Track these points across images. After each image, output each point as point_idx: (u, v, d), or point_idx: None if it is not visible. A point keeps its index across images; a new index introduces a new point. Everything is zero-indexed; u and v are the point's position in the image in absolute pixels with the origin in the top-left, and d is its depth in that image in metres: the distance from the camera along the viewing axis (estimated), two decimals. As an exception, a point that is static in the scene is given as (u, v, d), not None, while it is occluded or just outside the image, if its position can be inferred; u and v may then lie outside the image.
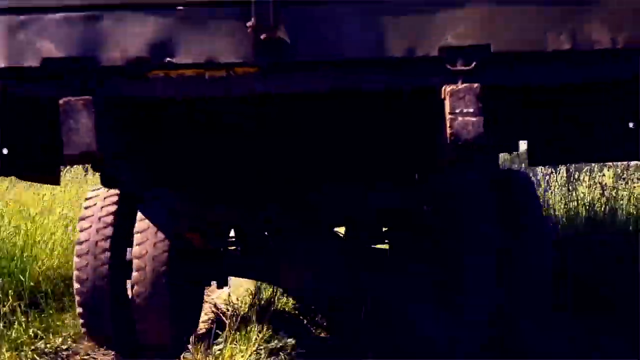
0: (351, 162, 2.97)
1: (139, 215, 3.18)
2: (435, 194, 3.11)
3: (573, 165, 7.64)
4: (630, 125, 2.16)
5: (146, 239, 3.11)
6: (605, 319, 3.85)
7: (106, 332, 3.52)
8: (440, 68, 1.70)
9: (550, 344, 3.30)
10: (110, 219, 3.39)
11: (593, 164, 6.97)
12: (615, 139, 2.26)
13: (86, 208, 3.48)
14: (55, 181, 2.94)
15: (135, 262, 3.12)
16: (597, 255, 4.31)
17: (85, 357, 3.95)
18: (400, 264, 3.66)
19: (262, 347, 3.51)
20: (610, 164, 6.32)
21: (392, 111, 2.23)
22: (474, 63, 1.66)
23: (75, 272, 3.36)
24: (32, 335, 3.98)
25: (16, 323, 4.00)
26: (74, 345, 4.05)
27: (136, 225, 3.17)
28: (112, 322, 3.44)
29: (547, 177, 7.61)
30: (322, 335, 4.52)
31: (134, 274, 3.13)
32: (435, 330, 3.09)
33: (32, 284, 4.82)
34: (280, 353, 3.59)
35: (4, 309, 4.15)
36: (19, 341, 3.82)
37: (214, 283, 4.14)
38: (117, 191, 3.45)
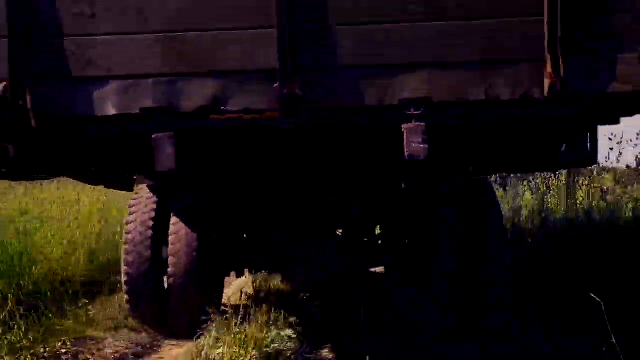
0: (341, 178, 3.84)
1: (173, 219, 4.11)
2: (411, 199, 3.93)
3: (572, 169, 7.68)
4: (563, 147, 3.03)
5: (179, 240, 4.08)
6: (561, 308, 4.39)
7: (146, 313, 4.34)
8: (400, 113, 2.48)
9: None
10: (150, 222, 4.23)
11: (594, 169, 7.04)
12: (538, 155, 3.25)
13: (130, 214, 4.35)
14: (131, 189, 4.42)
15: (170, 258, 4.10)
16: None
17: (85, 361, 3.96)
18: (386, 255, 4.58)
19: (261, 351, 3.51)
20: (610, 169, 6.45)
21: (372, 141, 3.05)
22: (421, 109, 2.46)
23: (123, 267, 4.21)
24: (32, 339, 3.96)
25: (15, 327, 4.00)
26: (74, 349, 4.04)
27: (170, 228, 4.12)
28: (151, 306, 4.25)
29: (547, 182, 7.64)
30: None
31: (170, 268, 4.12)
32: (418, 314, 3.77)
33: (31, 288, 4.82)
34: (279, 357, 3.59)
35: (3, 313, 4.15)
36: (18, 345, 3.81)
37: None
38: (154, 199, 4.31)
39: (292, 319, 4.43)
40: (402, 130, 2.45)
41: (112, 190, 7.87)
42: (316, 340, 4.43)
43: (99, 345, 4.21)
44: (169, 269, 4.15)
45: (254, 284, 5.93)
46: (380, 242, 4.81)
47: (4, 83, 2.44)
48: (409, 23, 2.45)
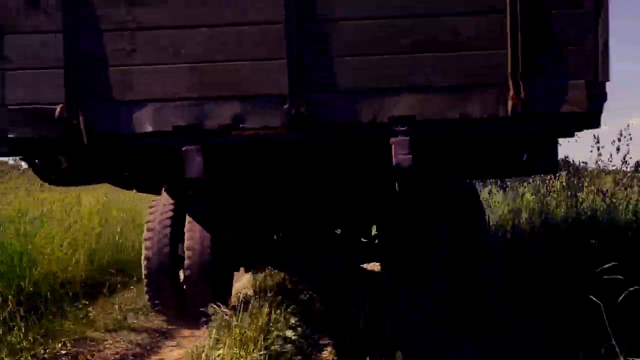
0: (342, 186, 4.35)
1: (188, 218, 4.63)
2: (406, 202, 4.40)
3: (571, 170, 7.71)
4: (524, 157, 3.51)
5: (194, 237, 4.58)
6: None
7: (164, 303, 4.81)
8: (389, 128, 2.97)
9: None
10: (168, 222, 4.77)
11: (594, 172, 7.07)
12: (510, 163, 3.74)
13: (150, 214, 4.92)
14: (159, 193, 4.97)
15: (186, 252, 4.59)
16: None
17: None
18: (382, 253, 5.07)
19: (262, 353, 3.50)
20: (610, 171, 6.50)
21: (366, 153, 3.50)
22: (407, 126, 2.97)
23: (143, 262, 4.75)
24: (32, 340, 3.96)
25: (15, 328, 3.99)
26: (73, 350, 4.04)
27: (186, 226, 4.63)
28: (168, 296, 4.76)
29: (547, 183, 7.62)
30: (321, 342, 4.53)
31: (186, 261, 4.61)
32: (417, 313, 4.00)
33: (31, 289, 4.81)
34: (280, 358, 3.59)
35: (4, 314, 4.14)
36: (18, 346, 3.80)
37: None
38: (171, 201, 4.87)
39: (292, 321, 4.43)
40: (391, 143, 2.98)
41: (112, 192, 7.90)
42: (316, 341, 4.44)
43: (98, 346, 4.21)
44: (185, 262, 4.63)
45: (254, 286, 5.92)
46: (376, 241, 5.33)
47: (61, 106, 2.97)
48: (396, 55, 2.98)
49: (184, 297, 4.77)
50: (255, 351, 3.48)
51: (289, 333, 4.08)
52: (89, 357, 3.99)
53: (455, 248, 4.44)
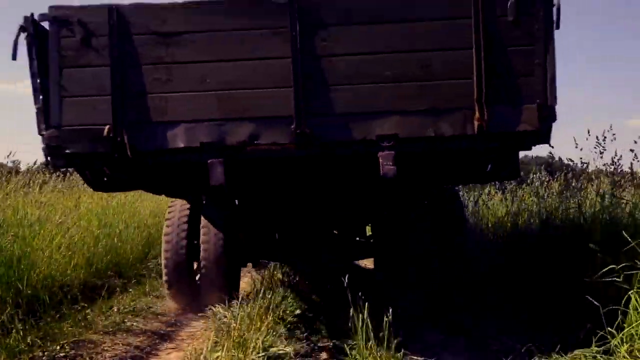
0: (339, 193, 5.08)
1: (202, 218, 5.20)
2: (392, 206, 5.15)
3: (571, 172, 7.72)
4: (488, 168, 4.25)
5: (209, 233, 5.14)
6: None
7: (180, 290, 5.48)
8: (377, 145, 3.59)
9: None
10: (185, 220, 5.52)
11: (592, 173, 7.05)
12: (480, 172, 4.47)
13: (169, 213, 5.67)
14: (186, 197, 5.65)
15: (202, 246, 5.15)
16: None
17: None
18: (375, 252, 5.59)
19: (260, 356, 3.50)
20: (607, 172, 6.48)
21: (359, 165, 4.01)
22: (392, 142, 3.57)
23: (163, 254, 5.50)
24: (30, 343, 3.96)
25: (14, 331, 3.99)
26: (72, 352, 4.03)
27: (201, 224, 5.18)
28: (184, 285, 5.46)
29: (546, 185, 7.63)
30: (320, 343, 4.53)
31: (202, 254, 5.16)
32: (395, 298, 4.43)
33: (29, 292, 4.81)
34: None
35: (2, 317, 4.14)
36: (16, 349, 3.80)
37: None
38: (188, 204, 5.66)
39: (291, 322, 4.43)
40: (378, 157, 3.58)
41: (112, 194, 7.91)
42: (315, 343, 4.44)
43: (97, 349, 4.20)
44: (201, 255, 5.17)
45: (253, 288, 5.92)
46: (371, 240, 5.91)
47: (108, 126, 3.62)
48: (382, 84, 3.61)
49: (196, 286, 5.50)
50: (253, 353, 3.48)
51: (288, 335, 4.09)
52: (87, 359, 3.98)
53: (437, 247, 5.21)
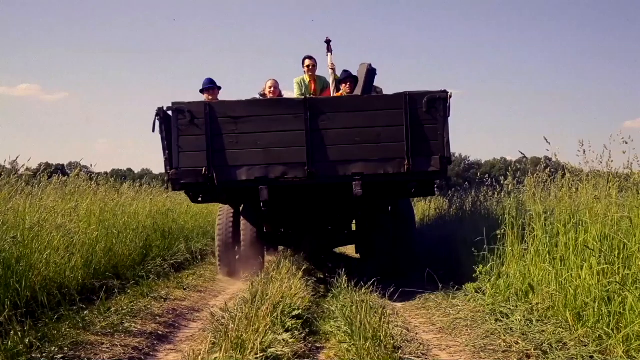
0: (330, 204, 7.73)
1: (242, 217, 8.11)
2: (365, 212, 7.92)
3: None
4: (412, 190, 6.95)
5: (246, 227, 7.96)
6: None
7: (227, 266, 8.28)
8: (352, 178, 6.45)
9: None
10: (231, 218, 8.29)
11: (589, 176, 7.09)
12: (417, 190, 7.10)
13: (219, 214, 8.48)
14: (239, 206, 8.46)
15: (242, 234, 8.00)
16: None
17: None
18: (355, 240, 8.96)
19: (258, 356, 3.50)
20: (602, 172, 6.57)
21: (342, 189, 6.64)
22: (360, 176, 6.43)
23: (217, 241, 8.40)
24: (28, 344, 3.94)
25: (12, 332, 3.98)
26: (70, 353, 4.02)
27: (241, 220, 8.09)
28: (230, 262, 8.28)
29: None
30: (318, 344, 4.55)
31: (242, 239, 8.01)
32: (360, 271, 7.07)
33: (28, 293, 4.80)
34: (277, 362, 3.61)
35: (0, 318, 4.13)
36: (15, 351, 3.78)
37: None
38: (232, 209, 8.39)
39: (289, 323, 4.43)
40: (352, 184, 6.38)
41: (111, 198, 7.94)
42: (313, 344, 4.44)
43: (95, 350, 4.19)
44: (241, 239, 8.01)
45: (251, 289, 5.91)
46: (354, 231, 9.02)
47: (204, 168, 6.48)
48: (353, 145, 6.46)
49: (236, 260, 8.27)
50: (252, 354, 3.48)
51: (287, 336, 4.09)
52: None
53: (394, 238, 7.90)
